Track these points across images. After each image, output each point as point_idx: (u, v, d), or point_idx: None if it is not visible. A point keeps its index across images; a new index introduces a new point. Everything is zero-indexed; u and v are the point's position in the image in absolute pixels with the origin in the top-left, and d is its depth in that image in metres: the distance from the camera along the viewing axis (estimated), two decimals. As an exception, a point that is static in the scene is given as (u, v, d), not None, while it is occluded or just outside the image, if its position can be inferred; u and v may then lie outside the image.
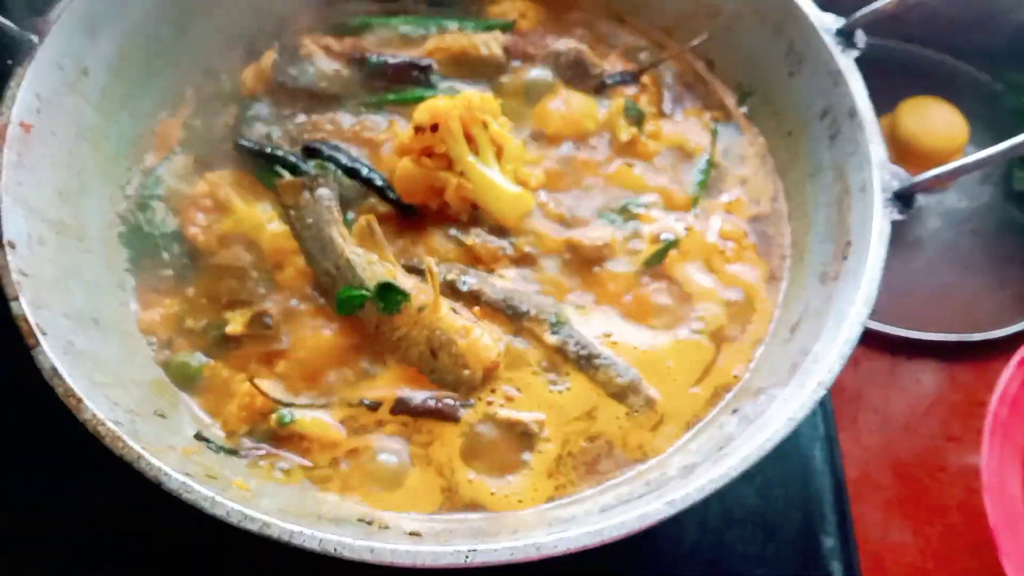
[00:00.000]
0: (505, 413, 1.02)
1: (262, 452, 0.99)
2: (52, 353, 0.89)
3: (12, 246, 0.95)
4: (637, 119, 1.25)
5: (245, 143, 1.18)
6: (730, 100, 1.30)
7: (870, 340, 1.56)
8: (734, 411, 1.02)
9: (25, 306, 0.91)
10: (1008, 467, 1.24)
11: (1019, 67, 1.72)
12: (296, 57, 1.24)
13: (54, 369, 0.88)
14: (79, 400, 0.87)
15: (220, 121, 1.22)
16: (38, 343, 0.89)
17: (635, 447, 1.02)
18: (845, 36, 1.13)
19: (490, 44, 1.29)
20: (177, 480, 0.83)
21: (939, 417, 1.53)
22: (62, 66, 1.09)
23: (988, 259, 1.65)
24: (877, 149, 1.05)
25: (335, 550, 0.81)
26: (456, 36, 1.30)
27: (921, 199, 1.62)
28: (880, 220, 1.00)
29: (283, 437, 1.01)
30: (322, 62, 1.25)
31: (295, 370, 1.04)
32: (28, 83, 1.04)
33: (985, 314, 1.58)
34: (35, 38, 1.06)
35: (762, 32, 1.23)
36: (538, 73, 1.28)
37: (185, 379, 1.04)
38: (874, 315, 1.51)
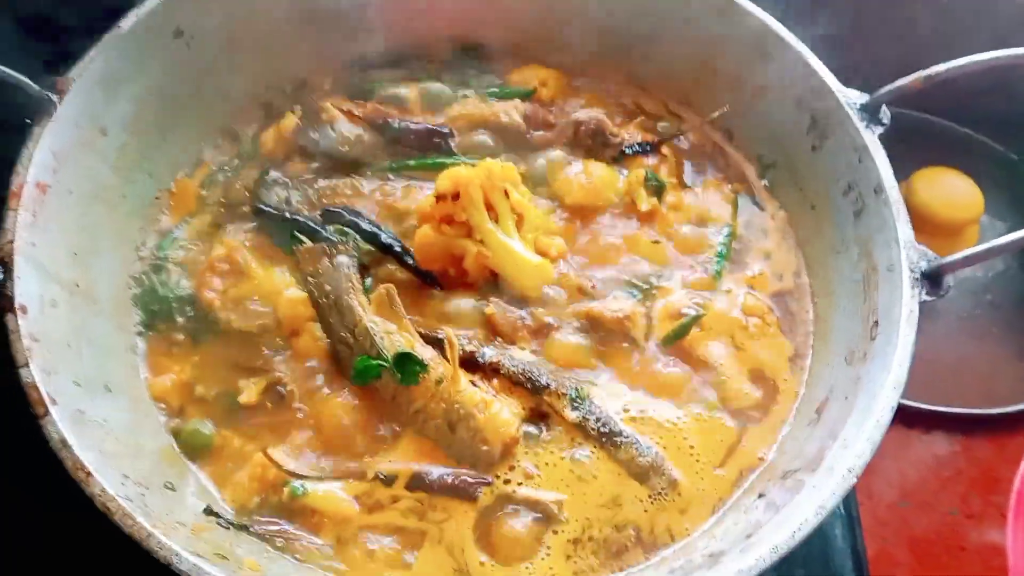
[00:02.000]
0: (524, 492, 0.99)
1: (273, 529, 0.96)
2: (61, 423, 0.86)
3: (24, 310, 0.93)
4: (657, 190, 1.25)
5: (264, 207, 1.17)
6: (751, 172, 1.29)
7: (887, 413, 1.54)
8: (760, 495, 0.99)
9: (35, 373, 0.89)
10: (1034, 549, 1.21)
11: (1036, 137, 1.73)
12: (318, 121, 1.24)
13: (63, 440, 0.85)
14: (88, 473, 0.84)
15: (239, 184, 1.21)
16: (47, 412, 0.87)
17: (663, 531, 1.00)
18: (870, 112, 1.12)
19: (510, 112, 1.29)
20: (188, 561, 0.80)
21: (957, 493, 1.50)
22: (80, 125, 1.08)
23: (1007, 330, 1.63)
24: (904, 228, 1.04)
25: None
26: (477, 104, 1.30)
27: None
28: (909, 301, 0.98)
29: (295, 511, 0.98)
30: (344, 126, 1.25)
31: (309, 441, 1.02)
32: (46, 142, 1.03)
33: (1003, 387, 1.56)
34: (54, 97, 1.05)
35: (784, 105, 1.22)
36: (556, 155, 1.28)
37: (196, 448, 1.01)
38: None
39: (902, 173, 1.68)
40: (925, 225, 1.64)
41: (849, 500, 1.27)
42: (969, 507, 1.48)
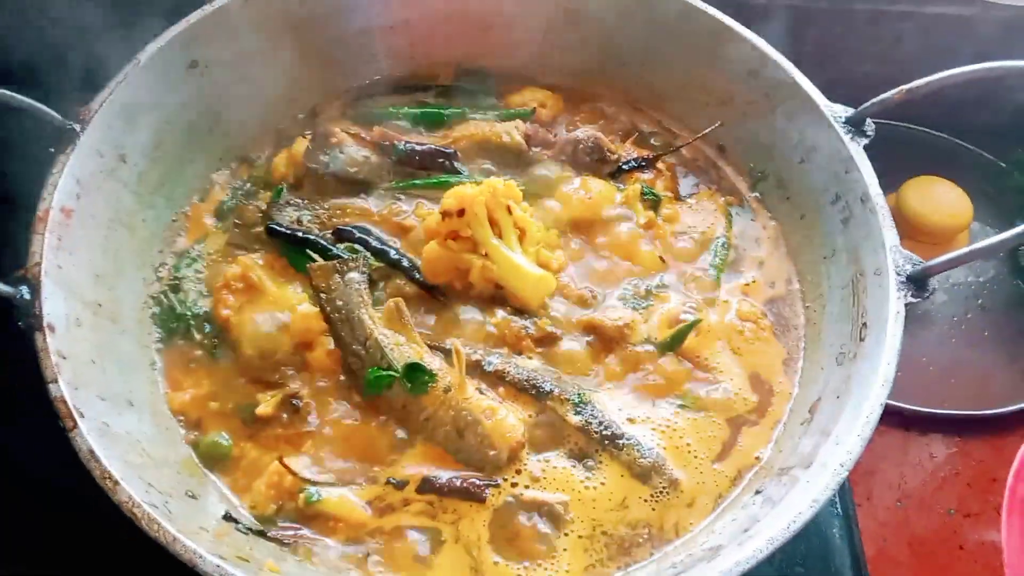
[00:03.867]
0: (531, 494, 1.03)
1: (290, 534, 1.00)
2: (89, 436, 0.91)
3: (52, 329, 0.97)
4: (654, 203, 1.30)
5: (277, 227, 1.22)
6: (743, 184, 1.34)
7: (883, 415, 1.57)
8: (757, 492, 1.03)
9: (64, 388, 0.93)
10: (1029, 545, 1.24)
11: (1023, 146, 1.77)
12: (327, 144, 1.29)
13: (91, 451, 0.90)
14: (116, 483, 0.88)
15: (252, 206, 1.26)
16: (76, 425, 0.91)
17: (671, 527, 1.04)
18: (855, 125, 1.17)
19: (511, 132, 1.34)
20: (211, 563, 0.84)
21: (955, 493, 1.53)
22: (102, 153, 1.13)
23: (998, 334, 1.67)
24: (890, 233, 1.09)
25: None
26: (479, 124, 1.35)
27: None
28: (895, 303, 1.03)
29: (310, 516, 1.02)
30: (351, 149, 1.30)
31: (323, 450, 1.06)
32: (69, 169, 1.08)
33: (997, 389, 1.59)
34: (77, 127, 1.11)
35: (773, 120, 1.28)
36: (552, 169, 1.33)
37: (214, 459, 1.05)
38: (887, 390, 1.55)
39: (893, 183, 1.74)
40: (916, 233, 1.69)
41: (846, 499, 1.30)
42: (967, 507, 1.51)
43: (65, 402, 0.92)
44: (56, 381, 0.93)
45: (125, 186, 1.17)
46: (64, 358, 0.96)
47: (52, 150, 1.09)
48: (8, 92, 1.06)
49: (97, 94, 1.14)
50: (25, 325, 0.96)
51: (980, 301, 1.70)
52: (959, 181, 1.73)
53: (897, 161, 1.72)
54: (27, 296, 0.98)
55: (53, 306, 0.99)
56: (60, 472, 1.12)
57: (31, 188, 1.07)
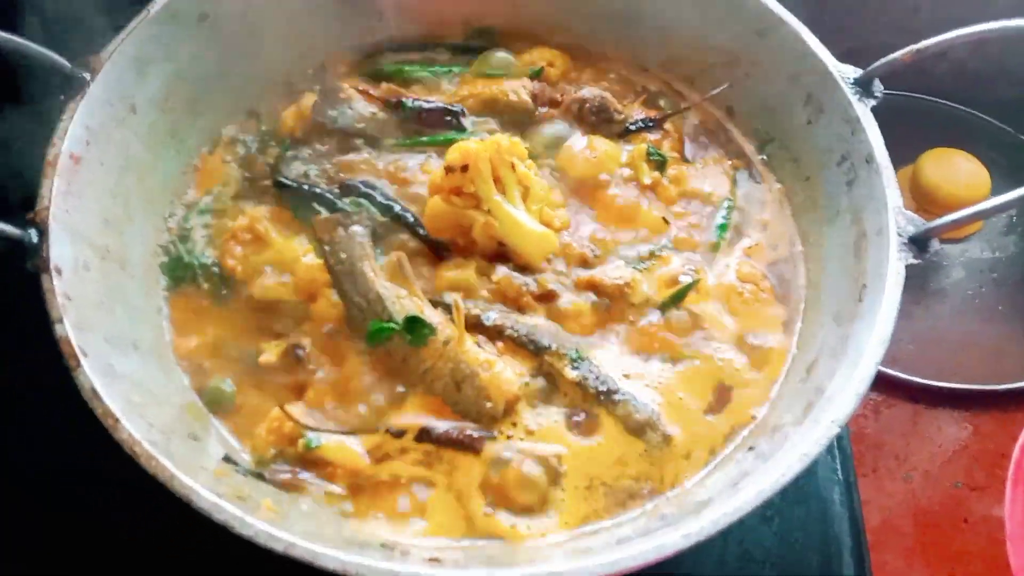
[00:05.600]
0: (525, 446, 1.04)
1: (287, 476, 1.02)
2: (92, 374, 0.93)
3: (59, 271, 0.99)
4: (659, 164, 1.29)
5: (284, 180, 1.23)
6: (749, 147, 1.33)
7: (892, 388, 1.57)
8: (750, 448, 1.03)
9: (68, 328, 0.95)
10: (1031, 517, 1.23)
11: (1041, 117, 1.76)
12: (335, 100, 1.30)
13: (93, 390, 0.91)
14: (116, 420, 0.90)
15: (260, 159, 1.28)
16: (79, 364, 0.93)
17: (669, 480, 1.05)
18: (863, 86, 1.16)
19: (518, 91, 1.34)
20: (208, 500, 0.86)
21: (962, 467, 1.53)
22: (111, 102, 1.15)
23: (1013, 309, 1.66)
24: (893, 194, 1.08)
25: (356, 573, 0.83)
26: (487, 82, 1.35)
27: (944, 248, 1.64)
28: (895, 263, 1.02)
29: (309, 461, 1.03)
30: (359, 105, 1.31)
31: (323, 398, 1.08)
32: (79, 117, 1.09)
33: (1010, 364, 1.58)
34: (87, 76, 1.12)
35: (781, 81, 1.27)
36: (558, 128, 1.33)
37: (217, 404, 1.07)
38: (896, 364, 1.54)
39: (911, 155, 1.72)
40: (933, 204, 1.68)
41: (847, 466, 1.30)
42: (973, 480, 1.51)
43: (69, 342, 0.94)
44: (61, 321, 0.95)
45: (135, 135, 1.18)
46: (70, 299, 0.98)
47: (62, 98, 1.11)
48: (20, 39, 1.08)
49: (108, 43, 1.15)
50: (32, 267, 0.98)
51: (996, 276, 1.69)
52: (977, 153, 1.72)
53: (915, 133, 1.71)
54: (35, 240, 1.00)
55: (60, 249, 1.01)
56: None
57: (38, 138, 1.09)
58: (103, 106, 1.13)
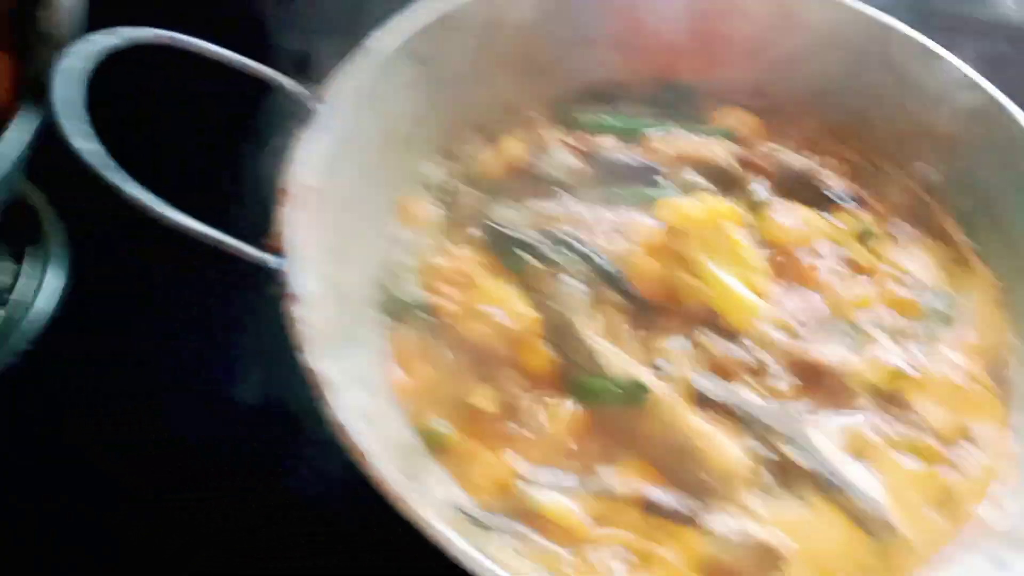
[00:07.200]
0: (747, 527, 1.01)
1: (510, 529, 1.00)
2: (336, 406, 0.91)
3: (298, 298, 0.99)
4: (864, 238, 1.27)
5: (495, 225, 1.22)
6: (958, 231, 1.31)
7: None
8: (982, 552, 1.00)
9: (310, 357, 0.94)
10: None
11: None
12: (537, 147, 1.30)
13: (339, 423, 0.90)
14: (363, 455, 0.89)
15: (465, 202, 1.27)
16: (324, 395, 0.92)
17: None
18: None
19: (718, 151, 1.33)
20: (471, 556, 0.85)
21: None
22: (338, 135, 1.15)
23: None
24: None
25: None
26: (684, 140, 1.35)
27: None
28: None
29: (524, 514, 1.01)
30: (559, 154, 1.31)
31: (536, 451, 1.06)
32: (312, 147, 1.10)
33: None
34: (318, 106, 1.13)
35: (995, 166, 1.25)
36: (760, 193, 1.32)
37: (436, 445, 1.05)
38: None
39: None
40: None
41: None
42: None
43: (313, 371, 0.93)
44: (305, 350, 0.94)
45: (352, 168, 1.18)
46: (310, 327, 0.97)
47: (291, 125, 1.12)
48: (267, 69, 1.10)
49: (327, 78, 1.17)
50: (273, 292, 0.98)
51: None
52: None
53: None
54: (275, 265, 1.00)
55: (297, 278, 1.00)
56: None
57: (268, 162, 1.10)
58: (332, 137, 1.14)
